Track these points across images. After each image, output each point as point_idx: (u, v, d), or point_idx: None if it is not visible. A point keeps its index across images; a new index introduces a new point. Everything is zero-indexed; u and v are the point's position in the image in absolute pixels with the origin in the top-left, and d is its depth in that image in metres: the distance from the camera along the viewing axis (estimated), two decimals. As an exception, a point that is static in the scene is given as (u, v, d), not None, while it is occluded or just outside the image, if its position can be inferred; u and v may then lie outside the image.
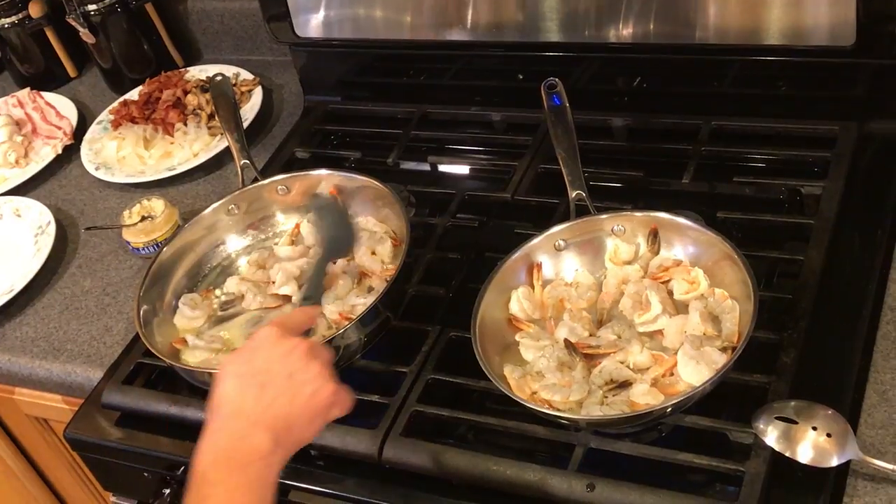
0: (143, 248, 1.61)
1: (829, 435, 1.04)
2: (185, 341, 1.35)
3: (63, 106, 2.03)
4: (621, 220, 1.29)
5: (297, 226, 1.50)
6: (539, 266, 1.30)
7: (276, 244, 1.49)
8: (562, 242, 1.30)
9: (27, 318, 1.60)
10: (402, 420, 1.21)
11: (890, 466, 1.04)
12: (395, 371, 1.27)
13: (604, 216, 1.30)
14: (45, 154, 1.93)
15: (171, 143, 1.84)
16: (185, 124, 1.85)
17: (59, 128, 1.97)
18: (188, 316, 1.39)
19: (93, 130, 1.93)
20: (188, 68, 2.02)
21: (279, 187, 1.51)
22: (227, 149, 1.66)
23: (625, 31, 1.46)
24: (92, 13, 1.95)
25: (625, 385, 1.15)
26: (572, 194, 1.31)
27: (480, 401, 1.23)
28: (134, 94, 1.97)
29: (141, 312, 1.36)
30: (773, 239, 1.32)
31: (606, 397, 1.15)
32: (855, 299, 1.23)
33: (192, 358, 1.33)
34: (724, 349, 1.14)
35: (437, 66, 1.71)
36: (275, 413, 0.95)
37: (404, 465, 1.18)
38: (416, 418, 1.21)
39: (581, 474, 1.10)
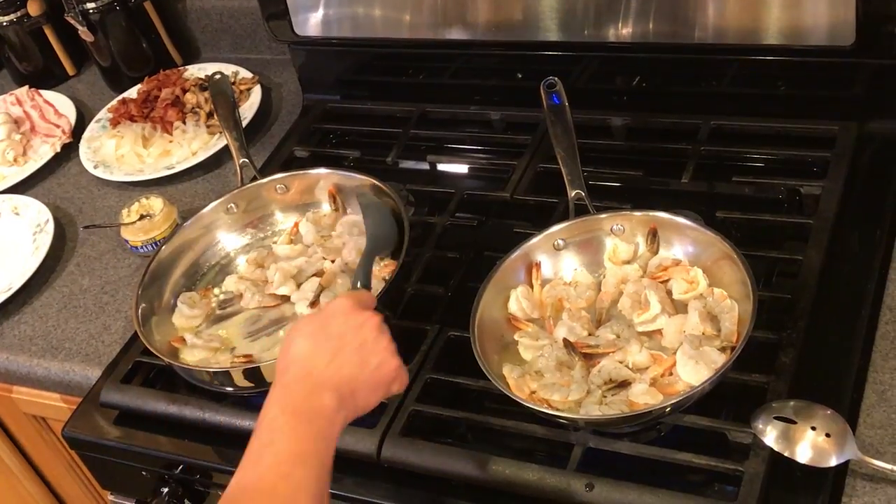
0: (142, 247, 1.61)
1: (827, 435, 1.04)
2: (183, 340, 1.35)
3: (62, 104, 2.03)
4: (620, 220, 1.29)
5: (296, 224, 1.49)
6: (538, 265, 1.30)
7: (274, 243, 1.49)
8: (561, 242, 1.30)
9: (25, 317, 1.59)
10: (401, 419, 1.21)
11: (889, 466, 1.04)
12: (394, 370, 1.27)
13: (603, 216, 1.30)
14: (43, 152, 1.92)
15: (170, 142, 1.84)
16: (184, 123, 1.85)
17: (58, 126, 1.96)
18: (187, 314, 1.39)
19: (91, 129, 1.93)
20: (187, 66, 2.02)
21: (278, 186, 1.51)
22: (226, 147, 1.66)
23: (624, 31, 1.46)
24: (90, 11, 1.95)
25: (624, 385, 1.15)
26: (571, 194, 1.31)
27: (479, 400, 1.23)
28: (133, 93, 1.96)
29: (139, 311, 1.36)
30: (772, 239, 1.32)
31: (605, 397, 1.15)
32: (854, 299, 1.23)
33: (191, 356, 1.33)
34: (723, 349, 1.14)
35: (436, 65, 1.70)
36: (342, 377, 1.00)
37: (403, 464, 1.18)
38: (415, 418, 1.21)
39: (580, 474, 1.10)
